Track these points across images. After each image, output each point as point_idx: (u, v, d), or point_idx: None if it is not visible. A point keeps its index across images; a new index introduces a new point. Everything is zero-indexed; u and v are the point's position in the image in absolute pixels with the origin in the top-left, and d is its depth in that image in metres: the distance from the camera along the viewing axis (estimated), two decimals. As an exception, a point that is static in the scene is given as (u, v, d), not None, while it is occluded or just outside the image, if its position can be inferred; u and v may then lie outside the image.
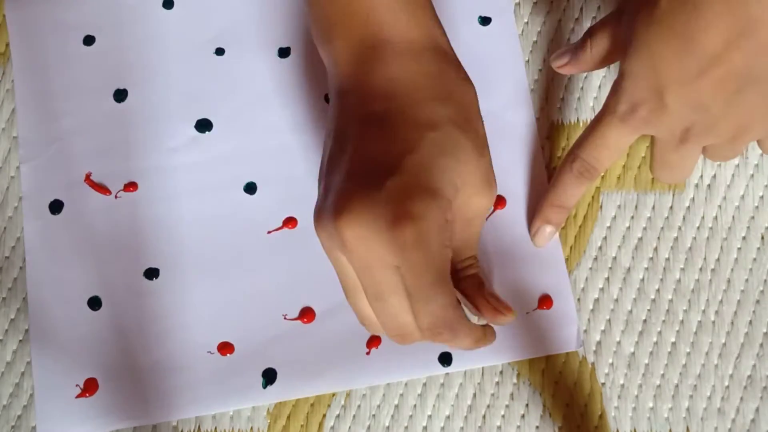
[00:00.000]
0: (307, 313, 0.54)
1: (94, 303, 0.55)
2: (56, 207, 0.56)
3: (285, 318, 0.54)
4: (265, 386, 0.53)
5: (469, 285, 0.49)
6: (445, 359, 0.53)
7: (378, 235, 0.42)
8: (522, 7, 0.59)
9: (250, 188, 0.56)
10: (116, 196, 0.56)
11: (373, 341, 0.53)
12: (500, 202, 0.56)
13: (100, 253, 0.55)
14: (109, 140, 0.57)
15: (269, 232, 0.56)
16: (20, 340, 0.54)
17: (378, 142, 0.44)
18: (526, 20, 0.59)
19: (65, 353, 0.54)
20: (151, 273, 0.55)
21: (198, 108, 0.58)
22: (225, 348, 0.54)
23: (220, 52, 0.59)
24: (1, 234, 0.56)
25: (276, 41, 0.59)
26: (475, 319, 0.52)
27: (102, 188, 0.56)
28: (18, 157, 0.57)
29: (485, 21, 0.59)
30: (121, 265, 0.55)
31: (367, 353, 0.53)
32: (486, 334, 0.47)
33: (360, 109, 0.45)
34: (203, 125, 0.57)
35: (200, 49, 0.59)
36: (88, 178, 0.56)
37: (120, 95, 0.58)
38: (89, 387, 0.53)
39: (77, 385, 0.53)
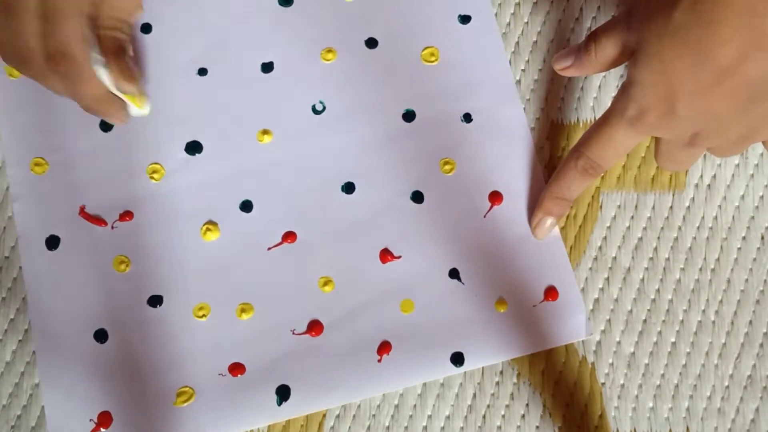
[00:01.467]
0: (314, 327, 0.54)
1: (101, 335, 0.54)
2: (53, 243, 0.55)
3: (293, 333, 0.54)
4: (279, 403, 0.53)
5: (110, 45, 0.49)
6: (458, 359, 0.53)
7: None
8: (522, 7, 0.59)
9: (246, 206, 0.56)
10: (113, 227, 0.56)
11: (384, 348, 0.53)
12: (497, 198, 0.56)
13: (101, 285, 0.55)
14: (99, 171, 0.56)
15: (269, 249, 0.55)
16: (20, 340, 0.54)
17: None
18: (526, 20, 0.59)
19: (76, 388, 0.53)
20: (155, 300, 0.54)
21: (186, 130, 0.57)
22: (236, 369, 0.53)
23: (203, 72, 0.58)
24: (1, 234, 0.56)
25: (258, 56, 0.59)
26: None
27: (98, 220, 0.56)
28: (8, 200, 0.57)
29: (465, 19, 0.59)
30: (124, 295, 0.54)
31: (379, 360, 0.53)
32: (111, 100, 0.49)
33: None
34: (193, 147, 0.57)
35: (183, 71, 0.58)
36: (82, 210, 0.56)
37: (106, 124, 0.57)
38: (103, 421, 0.53)
39: (91, 420, 0.53)
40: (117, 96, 0.50)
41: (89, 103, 0.49)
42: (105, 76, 0.49)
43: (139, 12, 0.51)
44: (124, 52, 0.49)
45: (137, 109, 0.52)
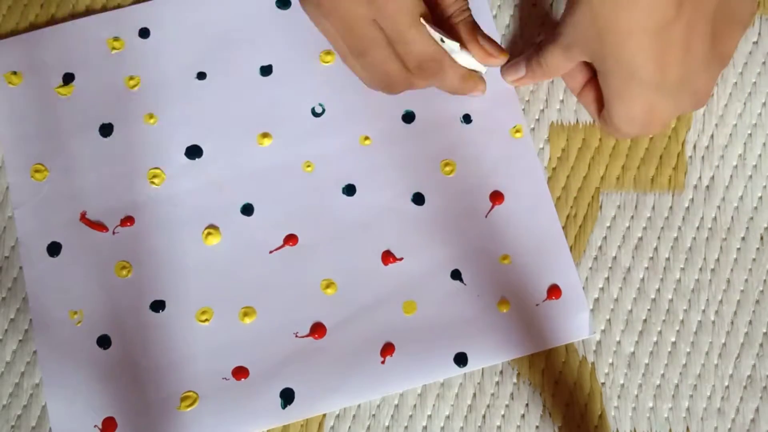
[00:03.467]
0: (317, 329, 0.54)
1: (104, 341, 0.54)
2: (54, 249, 0.55)
3: (296, 336, 0.54)
4: (284, 407, 0.53)
5: (462, 30, 0.53)
6: (461, 360, 0.53)
7: None
8: (521, 9, 0.59)
9: (247, 210, 0.56)
10: (114, 233, 0.56)
11: (387, 350, 0.53)
12: (498, 197, 0.56)
13: (103, 291, 0.55)
14: (99, 176, 0.57)
15: (271, 252, 0.55)
16: (20, 340, 0.54)
17: None
18: (525, 21, 0.59)
19: (80, 395, 0.53)
20: (158, 305, 0.54)
21: (186, 134, 0.57)
22: (239, 373, 0.53)
23: (201, 76, 0.58)
24: (1, 234, 0.56)
25: (257, 59, 0.59)
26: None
27: (99, 226, 0.56)
28: (8, 200, 0.57)
29: None
30: (126, 301, 0.54)
31: (382, 362, 0.53)
32: (472, 76, 0.55)
33: None
34: (193, 152, 0.57)
35: (181, 75, 0.58)
36: (83, 216, 0.56)
37: (105, 130, 0.57)
38: (108, 426, 0.53)
39: (96, 426, 0.53)
40: (475, 70, 0.55)
41: (456, 87, 0.55)
42: (464, 59, 0.53)
43: None
44: (475, 30, 0.54)
45: (482, 69, 0.55)
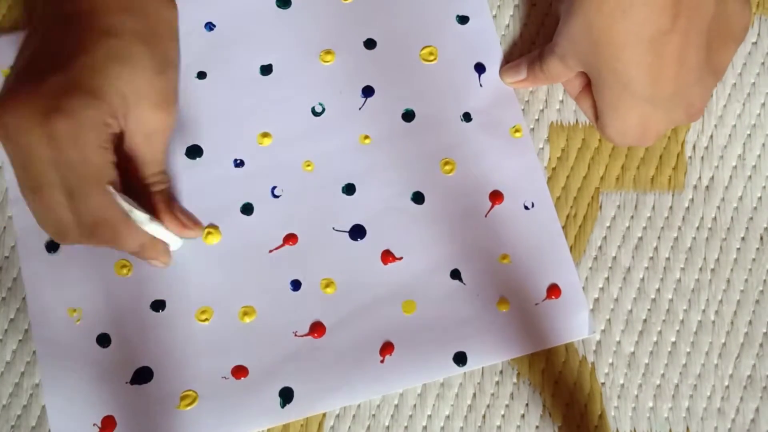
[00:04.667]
0: (317, 328, 0.54)
1: (103, 340, 0.54)
2: (53, 245, 0.55)
3: (296, 335, 0.54)
4: (283, 406, 0.53)
5: (158, 200, 0.52)
6: (461, 359, 0.53)
7: (33, 126, 0.44)
8: (521, 9, 0.59)
9: (247, 209, 0.56)
10: None
11: (386, 349, 0.53)
12: (497, 197, 0.56)
13: (103, 289, 0.55)
14: None
15: (271, 251, 0.55)
16: (20, 340, 0.54)
17: (57, 43, 0.46)
18: (524, 22, 0.59)
19: (79, 394, 0.53)
20: (157, 305, 0.54)
21: (186, 134, 0.57)
22: (239, 372, 0.53)
23: (201, 75, 0.58)
24: (1, 234, 0.56)
25: (257, 59, 0.59)
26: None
27: None
28: (7, 200, 0.56)
29: (463, 20, 0.59)
30: (126, 300, 0.54)
31: (381, 361, 0.53)
32: (154, 245, 0.51)
33: (53, 7, 0.48)
34: (193, 152, 0.57)
35: (182, 74, 0.57)
36: None
37: None
38: (107, 425, 0.53)
39: (95, 425, 0.53)
40: (159, 240, 0.52)
41: (134, 253, 0.51)
42: (156, 230, 0.51)
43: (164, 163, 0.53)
44: (172, 202, 0.53)
45: (176, 244, 0.54)
